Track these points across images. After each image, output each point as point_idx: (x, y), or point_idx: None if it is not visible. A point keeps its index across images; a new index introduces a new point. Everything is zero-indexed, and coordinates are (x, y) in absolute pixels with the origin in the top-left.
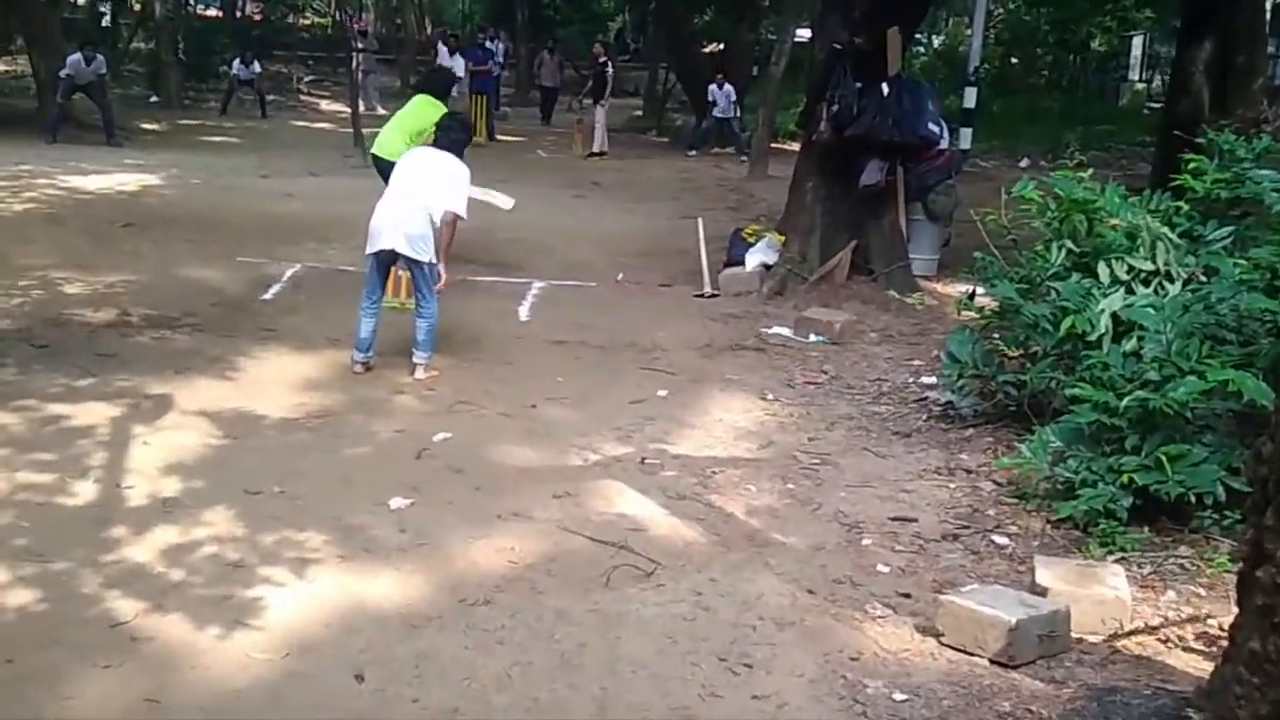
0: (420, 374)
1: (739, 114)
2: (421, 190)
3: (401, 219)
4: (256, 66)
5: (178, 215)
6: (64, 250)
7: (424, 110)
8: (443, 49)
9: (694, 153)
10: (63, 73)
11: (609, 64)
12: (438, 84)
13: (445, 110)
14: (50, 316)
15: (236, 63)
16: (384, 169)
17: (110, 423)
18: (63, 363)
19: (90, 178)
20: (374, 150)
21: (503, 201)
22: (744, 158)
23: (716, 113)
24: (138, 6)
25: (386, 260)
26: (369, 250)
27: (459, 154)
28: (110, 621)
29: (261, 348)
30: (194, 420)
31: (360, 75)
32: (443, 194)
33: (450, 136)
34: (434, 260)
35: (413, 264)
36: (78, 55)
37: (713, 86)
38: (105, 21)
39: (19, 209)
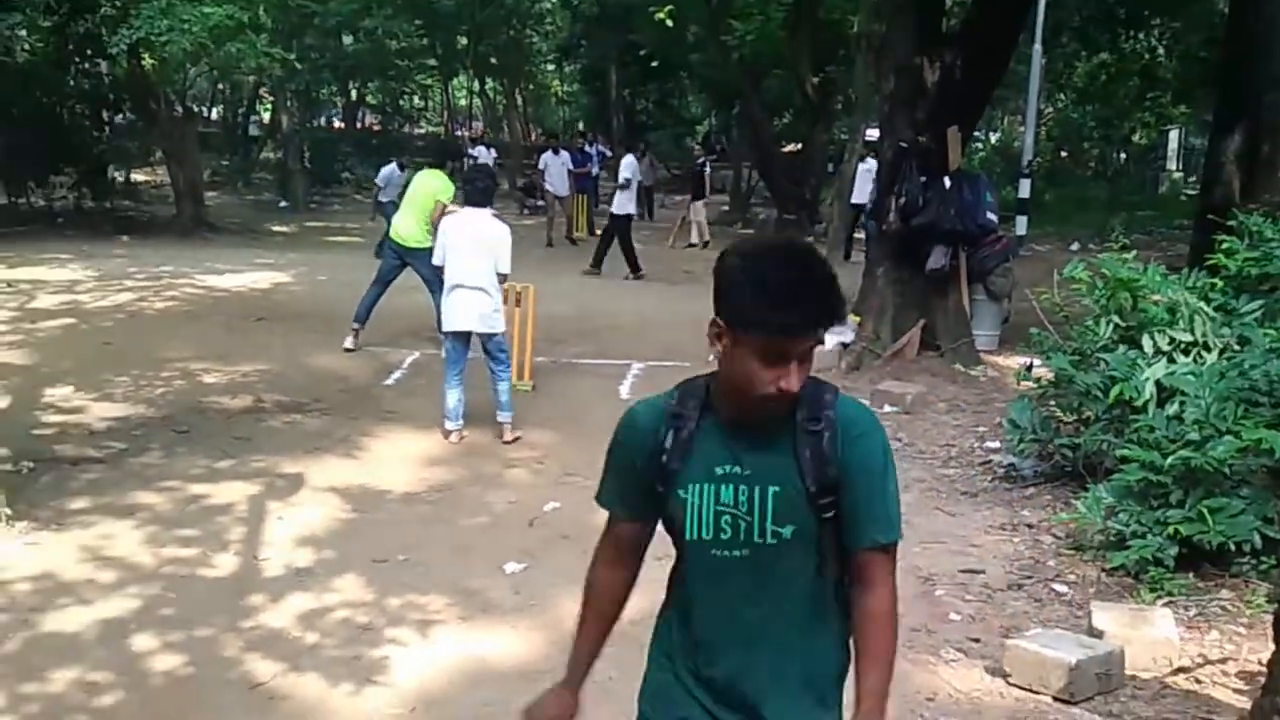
0: (508, 435)
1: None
2: (481, 267)
3: (473, 301)
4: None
5: (306, 309)
6: (202, 343)
7: (425, 182)
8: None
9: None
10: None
11: (707, 164)
12: (437, 155)
13: (444, 176)
14: (190, 404)
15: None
16: (398, 252)
17: (247, 500)
18: (203, 446)
19: (225, 276)
20: (391, 234)
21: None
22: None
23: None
24: (267, 119)
25: (464, 337)
26: (447, 328)
27: (489, 201)
28: (250, 683)
29: (385, 428)
30: (324, 496)
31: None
32: (497, 261)
33: (478, 186)
34: (504, 328)
35: (486, 338)
36: (391, 166)
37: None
38: (241, 132)
39: (160, 306)
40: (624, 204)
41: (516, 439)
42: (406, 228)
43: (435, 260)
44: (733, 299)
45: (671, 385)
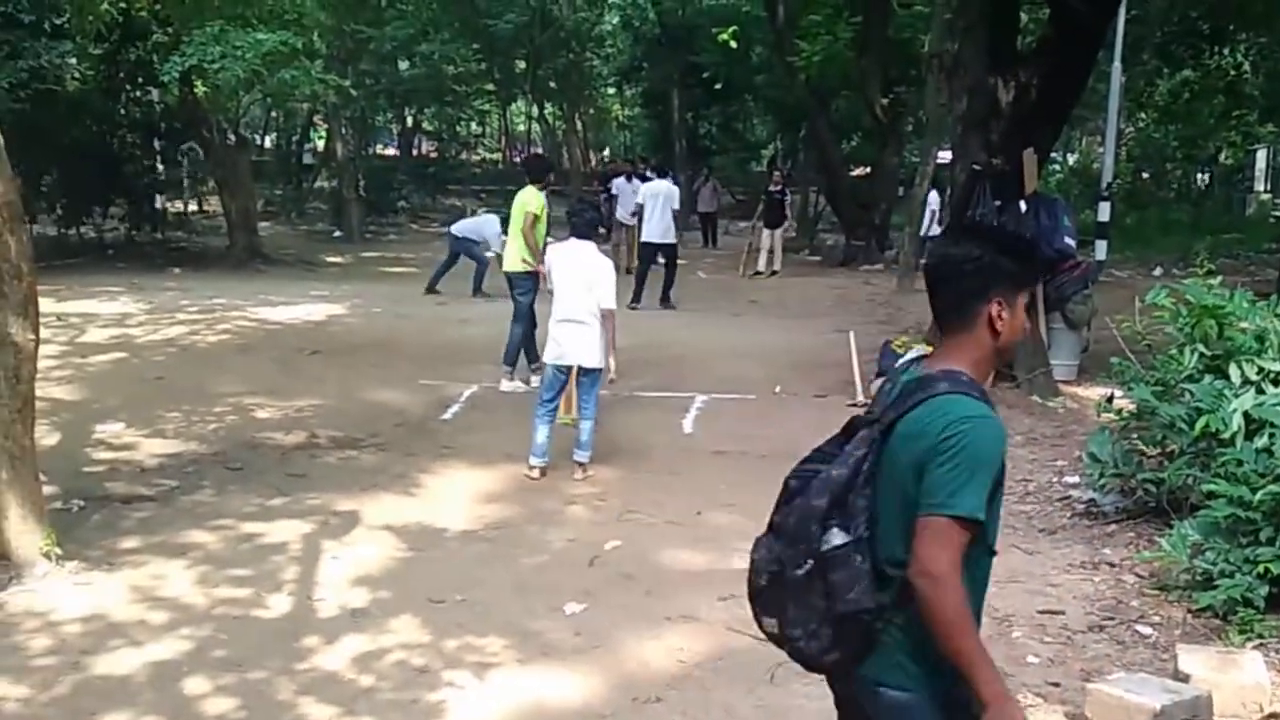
0: (579, 474)
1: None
2: (586, 301)
3: (582, 335)
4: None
5: (361, 342)
6: (255, 378)
7: (517, 199)
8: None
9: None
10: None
11: (786, 191)
12: (534, 168)
13: (534, 191)
14: (243, 440)
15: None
16: (511, 281)
17: (301, 539)
18: (256, 483)
19: (278, 309)
20: (505, 269)
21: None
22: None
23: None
24: (321, 147)
25: (568, 370)
26: (551, 360)
27: (593, 234)
28: None
29: (442, 464)
30: (380, 534)
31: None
32: (599, 297)
33: (583, 219)
34: (604, 365)
35: (589, 373)
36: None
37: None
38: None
39: (212, 340)
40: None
41: (587, 477)
42: (507, 253)
43: (549, 288)
44: (1015, 265)
45: (735, 418)
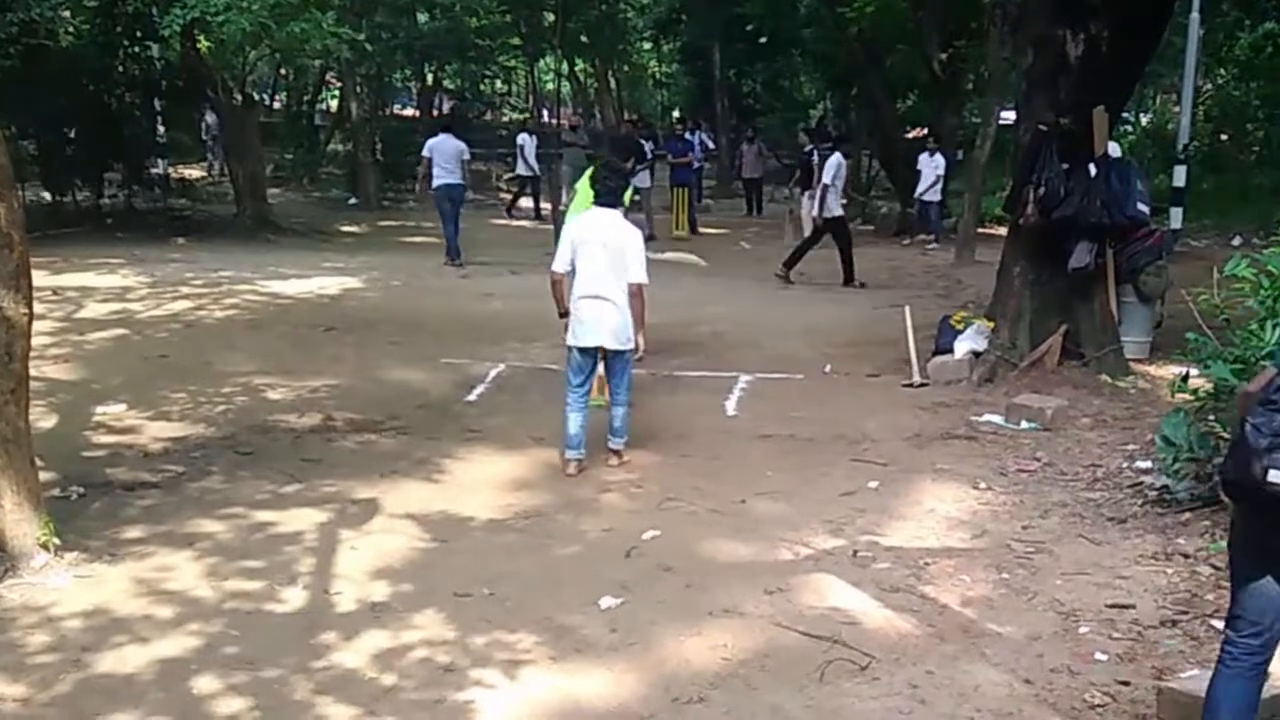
0: (615, 461)
1: (942, 198)
2: (611, 276)
3: (606, 314)
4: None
5: (379, 318)
6: (266, 356)
7: (582, 186)
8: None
9: (933, 246)
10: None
11: (815, 152)
12: (622, 147)
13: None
14: (254, 423)
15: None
16: None
17: (317, 528)
18: (268, 469)
19: (290, 282)
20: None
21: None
22: (934, 244)
23: (921, 190)
24: (334, 107)
25: (593, 352)
26: (574, 343)
27: (619, 201)
28: None
29: (467, 449)
30: (401, 524)
31: (569, 171)
32: (627, 270)
33: (608, 186)
34: (634, 345)
35: (617, 354)
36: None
37: (923, 155)
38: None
39: (220, 315)
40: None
41: (624, 464)
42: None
43: (555, 265)
44: None
45: (782, 400)
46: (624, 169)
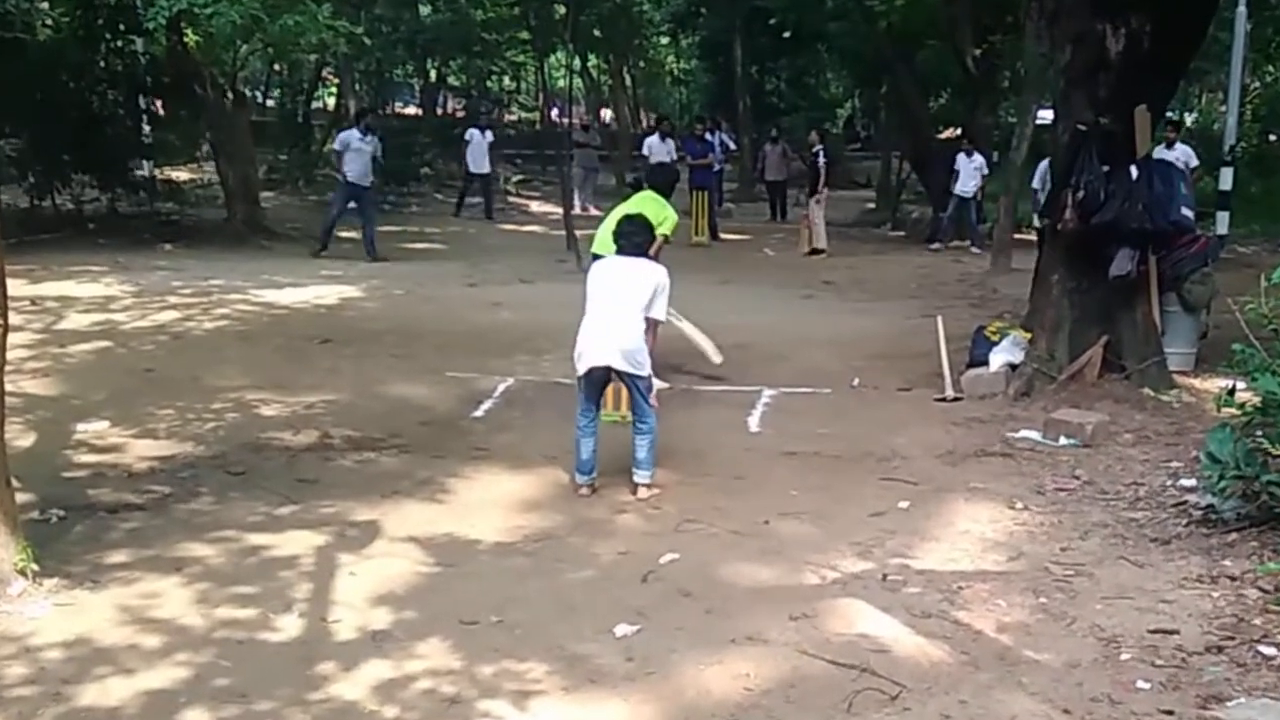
0: (643, 493)
1: (980, 198)
2: (629, 300)
3: (615, 333)
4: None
5: (380, 329)
6: (259, 370)
7: (648, 208)
8: (651, 139)
9: (936, 246)
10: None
11: (821, 154)
12: (661, 179)
13: (669, 208)
14: (247, 441)
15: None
16: None
17: (314, 552)
18: (261, 490)
19: (284, 291)
20: (595, 249)
21: (711, 352)
22: (977, 249)
23: (958, 189)
24: (331, 105)
25: (600, 378)
26: (580, 370)
27: (643, 254)
28: None
29: (474, 468)
30: (403, 547)
31: (580, 173)
32: (649, 302)
33: (634, 241)
34: (650, 373)
35: (630, 379)
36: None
37: (960, 155)
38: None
39: (210, 327)
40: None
41: (656, 495)
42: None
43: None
44: None
45: (808, 415)
46: (650, 226)
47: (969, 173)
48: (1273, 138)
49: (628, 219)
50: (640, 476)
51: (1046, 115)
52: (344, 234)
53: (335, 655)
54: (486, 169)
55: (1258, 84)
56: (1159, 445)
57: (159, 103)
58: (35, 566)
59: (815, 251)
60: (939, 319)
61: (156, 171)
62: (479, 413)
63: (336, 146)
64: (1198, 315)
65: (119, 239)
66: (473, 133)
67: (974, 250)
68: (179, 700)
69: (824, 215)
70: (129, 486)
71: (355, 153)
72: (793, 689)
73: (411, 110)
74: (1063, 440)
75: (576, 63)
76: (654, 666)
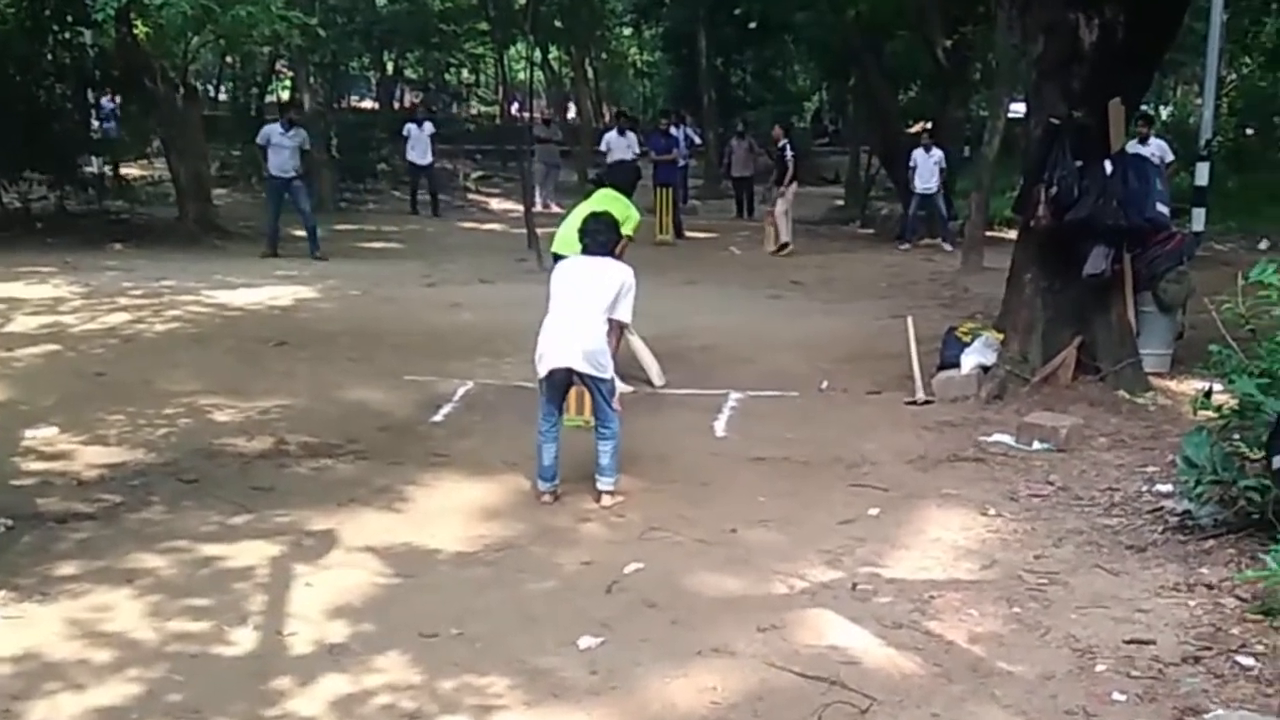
0: (607, 501)
1: (945, 191)
2: (592, 300)
3: (576, 334)
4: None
5: (336, 331)
6: (212, 374)
7: (610, 207)
8: (610, 135)
9: (905, 245)
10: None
11: (787, 148)
12: (621, 177)
13: (632, 207)
14: (199, 447)
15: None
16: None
17: (269, 563)
18: (214, 498)
19: (238, 292)
20: (555, 248)
21: (655, 375)
22: (949, 246)
23: (918, 185)
24: (285, 99)
25: (561, 381)
26: (540, 372)
27: (609, 254)
28: None
29: (433, 475)
30: (361, 557)
31: (542, 169)
32: (614, 303)
33: (599, 240)
34: (614, 376)
35: (592, 382)
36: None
37: (917, 151)
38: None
39: (161, 329)
40: None
41: (620, 502)
42: (574, 239)
43: None
44: None
45: (775, 420)
46: (616, 224)
47: (928, 169)
48: (1250, 131)
49: (593, 217)
50: (603, 483)
51: (1019, 109)
52: (299, 231)
53: (291, 669)
54: (427, 160)
55: (1234, 76)
56: (1134, 449)
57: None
58: None
59: (782, 247)
60: (909, 319)
61: (106, 169)
62: (438, 417)
63: (259, 141)
64: (1174, 315)
65: (68, 238)
66: (410, 127)
67: (946, 248)
68: (130, 717)
69: (790, 210)
70: (79, 495)
71: (275, 148)
72: (760, 702)
73: (368, 104)
74: (1036, 444)
75: (537, 55)
76: (618, 680)
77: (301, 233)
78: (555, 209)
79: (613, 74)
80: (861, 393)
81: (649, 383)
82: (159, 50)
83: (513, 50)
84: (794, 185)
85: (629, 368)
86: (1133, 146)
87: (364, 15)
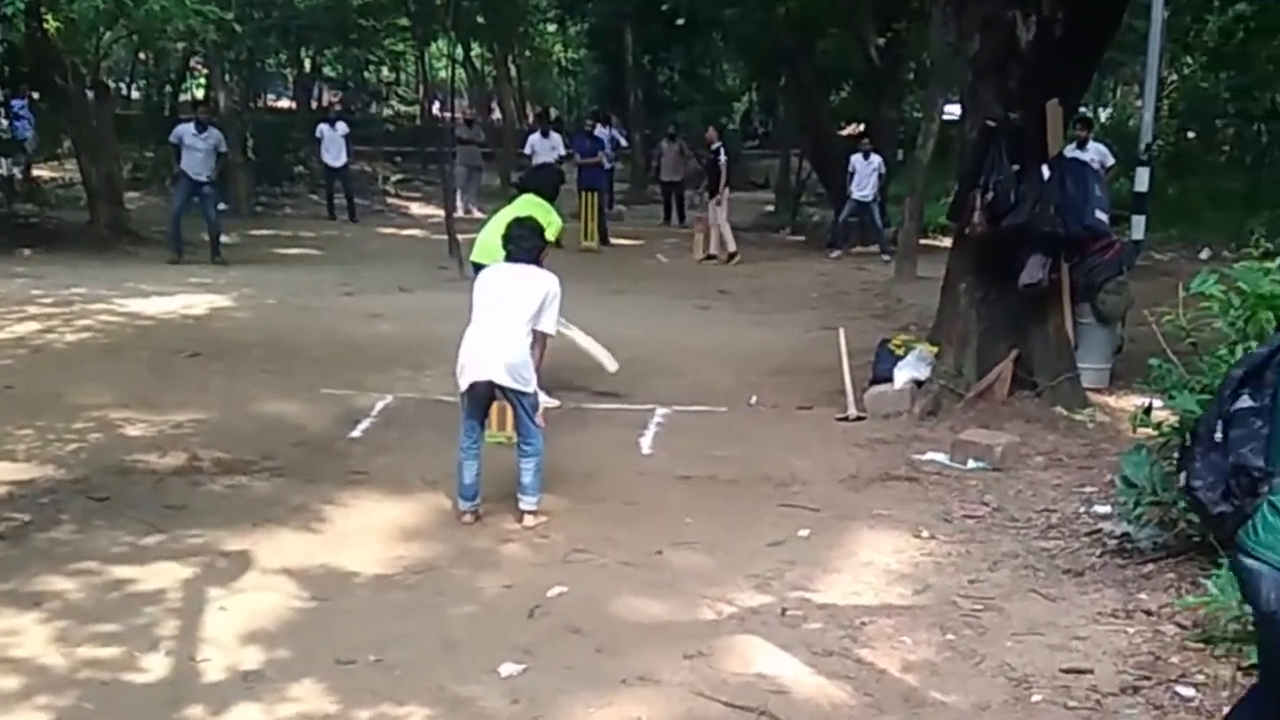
0: (529, 521)
1: (882, 199)
2: (515, 311)
3: (498, 346)
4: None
5: (251, 341)
6: (124, 386)
7: (531, 212)
8: (533, 137)
9: (836, 253)
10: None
11: (721, 151)
12: (544, 181)
13: (554, 212)
14: (110, 464)
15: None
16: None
17: (182, 585)
18: (126, 517)
19: (151, 300)
20: (474, 257)
21: (607, 361)
22: (887, 256)
23: (855, 192)
24: (199, 97)
25: (483, 395)
26: (462, 386)
27: (534, 261)
28: None
29: (351, 494)
30: (276, 580)
31: (464, 172)
32: (538, 314)
33: (523, 247)
34: (536, 390)
35: (515, 396)
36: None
37: (856, 157)
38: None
39: (71, 339)
40: None
41: (543, 523)
42: (494, 247)
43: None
44: None
45: (703, 436)
46: (541, 230)
47: (866, 175)
48: (1191, 135)
49: (517, 223)
50: (526, 503)
51: (954, 110)
52: (204, 235)
53: (204, 697)
54: (342, 161)
55: (1175, 77)
56: (1072, 468)
57: (28, 97)
58: None
59: (731, 256)
60: (841, 332)
61: (16, 170)
62: (356, 433)
63: (172, 139)
64: (1113, 327)
65: None
66: (323, 128)
67: (884, 258)
68: None
69: (726, 217)
70: None
71: (188, 149)
72: None
73: (285, 103)
74: (971, 463)
75: (459, 52)
76: (540, 709)
77: (222, 237)
78: (478, 214)
79: (536, 72)
80: (792, 408)
81: (594, 383)
82: (70, 46)
83: (434, 47)
84: (726, 191)
85: (562, 373)
86: (1071, 151)
87: (281, 10)
